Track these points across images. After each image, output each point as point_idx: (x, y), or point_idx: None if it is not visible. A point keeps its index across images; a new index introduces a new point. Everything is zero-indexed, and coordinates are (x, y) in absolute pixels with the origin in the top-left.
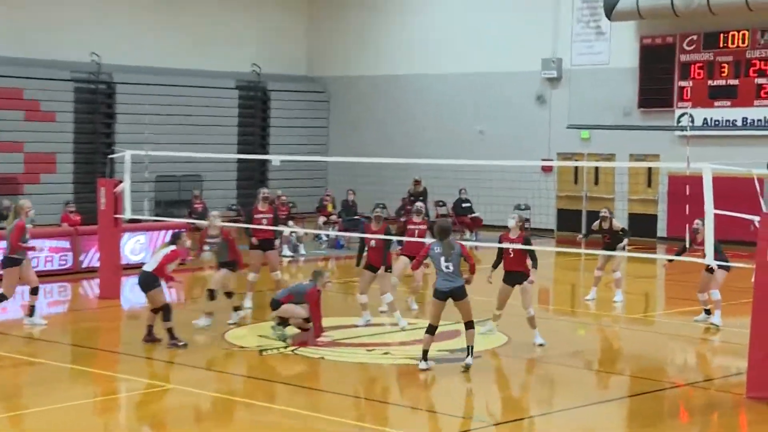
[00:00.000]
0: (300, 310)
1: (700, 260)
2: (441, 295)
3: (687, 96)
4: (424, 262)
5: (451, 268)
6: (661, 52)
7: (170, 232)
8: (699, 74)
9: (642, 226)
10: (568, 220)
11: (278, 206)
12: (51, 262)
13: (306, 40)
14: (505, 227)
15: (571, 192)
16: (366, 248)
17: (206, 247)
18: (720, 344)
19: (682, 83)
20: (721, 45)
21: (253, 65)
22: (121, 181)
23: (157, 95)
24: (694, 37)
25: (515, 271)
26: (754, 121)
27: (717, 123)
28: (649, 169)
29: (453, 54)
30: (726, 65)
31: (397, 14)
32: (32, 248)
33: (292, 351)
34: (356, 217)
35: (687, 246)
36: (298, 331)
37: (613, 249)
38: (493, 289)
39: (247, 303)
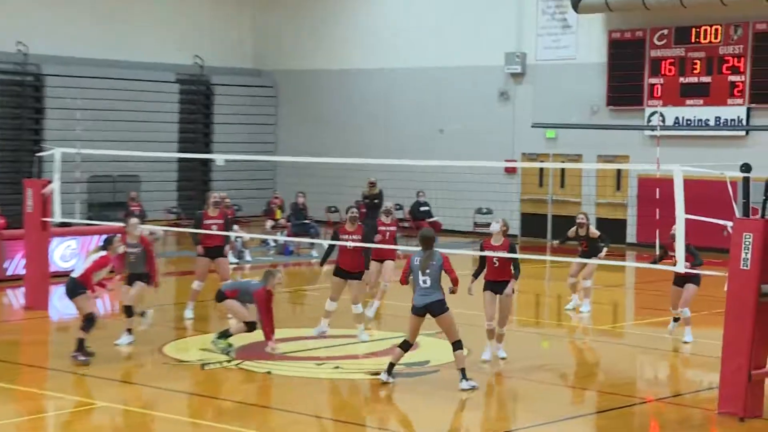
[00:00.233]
0: (243, 312)
1: (672, 268)
2: (417, 311)
3: (657, 94)
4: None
5: (428, 282)
6: (630, 47)
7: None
8: (670, 71)
9: (610, 232)
10: (532, 225)
11: (205, 211)
12: None
13: (253, 31)
14: (483, 233)
15: (535, 195)
16: (334, 251)
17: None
18: (691, 357)
19: (653, 80)
20: (693, 40)
21: (195, 57)
22: (50, 182)
23: (90, 88)
24: (665, 32)
25: (500, 281)
26: (727, 120)
27: (689, 122)
28: (618, 170)
29: (410, 47)
30: (698, 61)
31: (351, 4)
32: None
33: (236, 365)
34: (306, 221)
35: (659, 256)
36: (244, 342)
37: (591, 256)
38: (475, 300)
39: (189, 313)
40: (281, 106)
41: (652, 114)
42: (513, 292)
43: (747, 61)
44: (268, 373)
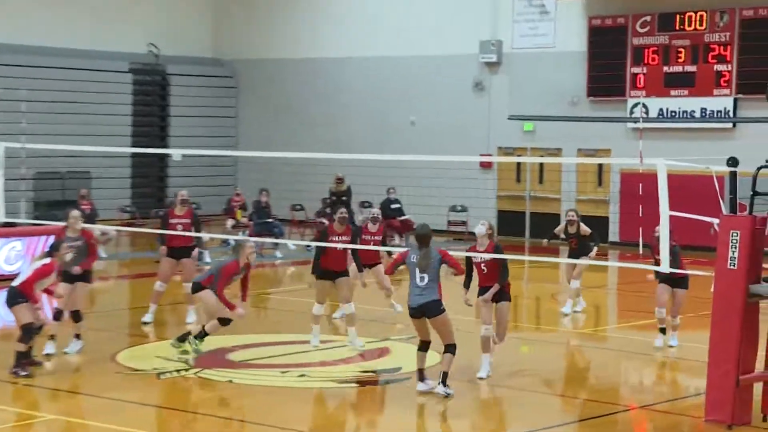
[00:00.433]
0: (215, 306)
1: (656, 268)
2: (413, 313)
3: (640, 84)
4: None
5: (426, 280)
6: (611, 35)
7: (52, 239)
8: (653, 59)
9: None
10: (509, 223)
11: (171, 209)
12: None
13: (212, 18)
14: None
15: (512, 191)
16: (322, 252)
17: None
18: (677, 361)
19: (635, 69)
20: (678, 27)
21: (149, 45)
22: None
23: (36, 79)
24: (648, 18)
25: (491, 286)
26: (713, 112)
27: (673, 114)
28: (600, 165)
29: (380, 35)
30: (683, 50)
31: None
32: None
33: (195, 373)
34: (270, 220)
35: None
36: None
37: (581, 255)
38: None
39: (148, 317)
40: (242, 98)
41: (635, 105)
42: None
43: (734, 50)
44: (230, 381)
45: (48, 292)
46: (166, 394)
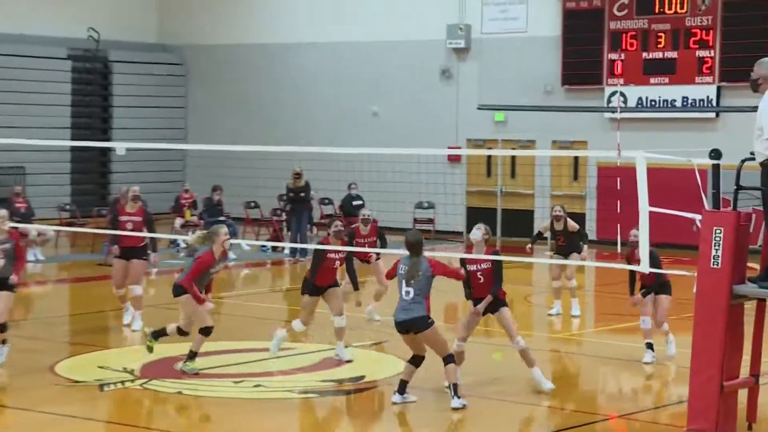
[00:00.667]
0: (194, 311)
1: (636, 268)
2: (400, 329)
3: (618, 71)
4: None
5: (411, 294)
6: (587, 19)
7: None
8: (632, 45)
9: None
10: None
11: (121, 206)
12: None
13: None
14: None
15: (483, 186)
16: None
17: None
18: (658, 367)
19: (613, 56)
20: (657, 11)
21: (89, 30)
22: None
23: None
24: (626, 1)
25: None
26: (695, 101)
27: (653, 103)
28: (576, 158)
29: (340, 19)
30: (663, 35)
31: None
32: None
33: (141, 385)
34: (221, 219)
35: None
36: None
37: (569, 253)
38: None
39: (127, 318)
40: (191, 87)
41: (612, 94)
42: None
43: (717, 35)
44: (179, 393)
45: None
46: (109, 407)
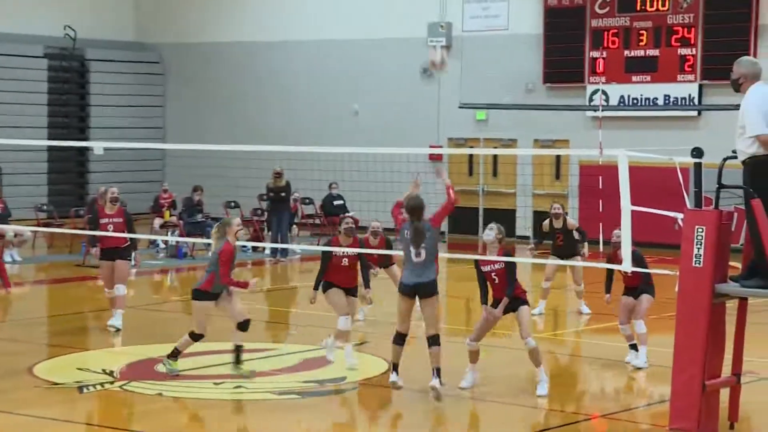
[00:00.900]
0: (203, 322)
1: (618, 267)
2: (406, 290)
3: (600, 69)
4: None
5: (423, 255)
6: (568, 16)
7: None
8: (614, 43)
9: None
10: (461, 221)
11: (100, 207)
12: None
13: None
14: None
15: (464, 186)
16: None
17: None
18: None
19: (594, 54)
20: (639, 8)
21: (66, 28)
22: None
23: None
24: None
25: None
26: (677, 99)
27: (635, 101)
28: (558, 157)
29: (321, 16)
30: (645, 32)
31: None
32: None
33: (121, 386)
34: (201, 219)
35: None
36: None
37: (568, 253)
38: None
39: (114, 321)
40: (170, 85)
41: (594, 92)
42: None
43: (698, 32)
44: (159, 395)
45: None
46: (89, 409)
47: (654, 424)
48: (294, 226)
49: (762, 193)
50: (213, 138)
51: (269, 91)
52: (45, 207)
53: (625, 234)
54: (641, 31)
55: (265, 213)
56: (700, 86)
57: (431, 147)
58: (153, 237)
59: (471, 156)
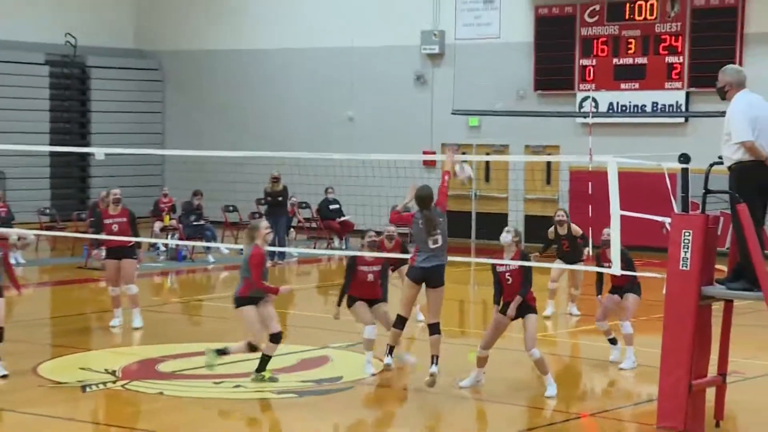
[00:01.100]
0: (255, 326)
1: (607, 270)
2: (416, 275)
3: (590, 76)
4: None
5: (440, 240)
6: (559, 25)
7: None
8: (603, 51)
9: (541, 230)
10: (454, 224)
11: (104, 210)
12: None
13: (134, 5)
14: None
15: (457, 190)
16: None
17: None
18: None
19: (584, 61)
20: (627, 17)
21: (67, 35)
22: None
23: None
24: (597, 7)
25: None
26: (665, 106)
27: (624, 108)
28: (548, 163)
29: (317, 25)
30: (633, 41)
31: None
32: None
33: (123, 386)
34: (201, 222)
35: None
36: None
37: (574, 258)
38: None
39: (115, 322)
40: (169, 92)
41: (584, 99)
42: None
43: (685, 41)
44: (160, 393)
45: None
46: (92, 408)
47: (642, 423)
48: (291, 229)
49: (747, 198)
50: (211, 143)
51: (266, 97)
52: (47, 211)
53: (614, 238)
54: (630, 40)
55: (263, 217)
56: (687, 94)
57: (425, 153)
58: (153, 240)
59: (463, 162)
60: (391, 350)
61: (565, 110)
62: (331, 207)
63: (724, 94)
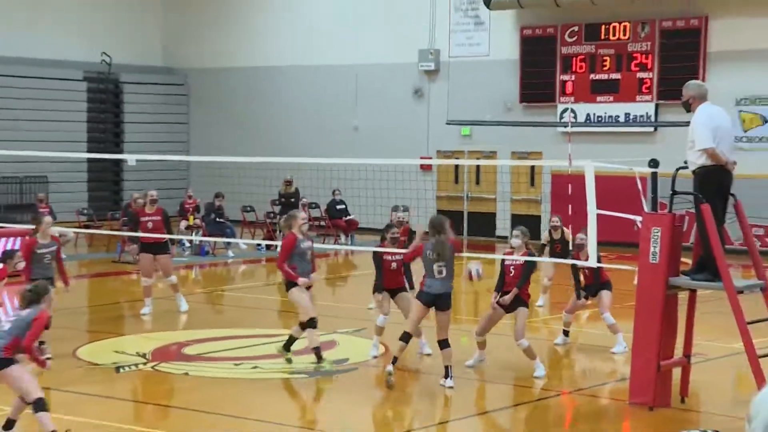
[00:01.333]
0: (306, 304)
1: (584, 263)
2: (427, 299)
3: (569, 90)
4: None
5: (444, 271)
6: (542, 44)
7: (11, 240)
8: (581, 67)
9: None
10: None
11: (136, 210)
12: None
13: (162, 28)
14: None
15: (451, 192)
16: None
17: None
18: (605, 351)
19: (564, 77)
20: (603, 37)
21: (102, 54)
22: None
23: None
24: (576, 29)
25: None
26: (636, 117)
27: (600, 119)
28: (532, 167)
29: (325, 44)
30: (608, 58)
31: (263, 0)
32: None
33: (152, 367)
34: (222, 221)
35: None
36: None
37: (564, 259)
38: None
39: (146, 310)
40: (193, 105)
41: (564, 110)
42: (505, 302)
43: (655, 58)
44: (186, 374)
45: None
46: (125, 386)
47: (616, 399)
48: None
49: (710, 199)
50: (231, 150)
51: (280, 109)
52: (85, 211)
53: (591, 233)
54: (605, 57)
55: (277, 216)
56: (656, 105)
57: (422, 158)
58: (179, 237)
59: (457, 166)
60: (394, 360)
61: (547, 120)
62: (338, 207)
63: (688, 106)
